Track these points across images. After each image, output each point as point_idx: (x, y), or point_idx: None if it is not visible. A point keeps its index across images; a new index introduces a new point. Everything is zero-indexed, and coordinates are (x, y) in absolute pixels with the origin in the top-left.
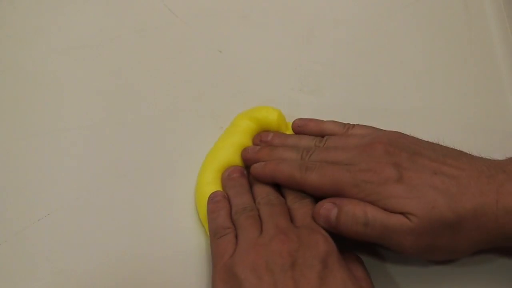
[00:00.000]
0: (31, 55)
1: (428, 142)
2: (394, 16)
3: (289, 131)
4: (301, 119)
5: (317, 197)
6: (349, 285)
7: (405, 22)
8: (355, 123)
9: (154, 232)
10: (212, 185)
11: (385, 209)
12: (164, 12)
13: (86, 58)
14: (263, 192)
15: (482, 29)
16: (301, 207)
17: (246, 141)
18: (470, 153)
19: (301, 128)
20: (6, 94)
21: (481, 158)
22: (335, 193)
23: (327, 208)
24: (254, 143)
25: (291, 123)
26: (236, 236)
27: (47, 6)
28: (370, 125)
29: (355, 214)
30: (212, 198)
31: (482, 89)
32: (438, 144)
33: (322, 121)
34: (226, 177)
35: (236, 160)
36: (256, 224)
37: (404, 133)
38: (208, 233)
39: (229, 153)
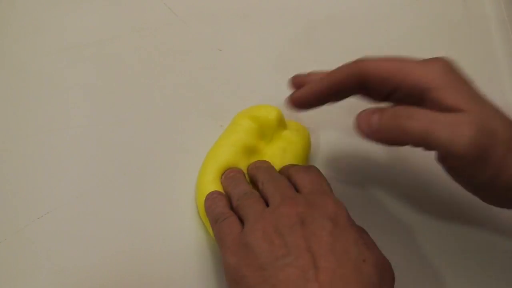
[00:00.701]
0: (30, 54)
1: None
2: (394, 15)
3: (287, 131)
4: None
5: None
6: (360, 244)
7: (405, 22)
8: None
9: (155, 231)
10: (213, 184)
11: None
12: (164, 11)
13: (86, 57)
14: (266, 173)
15: (482, 29)
16: (307, 175)
17: (247, 139)
18: None
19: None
20: (6, 93)
21: None
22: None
23: (368, 112)
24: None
25: (289, 122)
26: (240, 219)
27: (46, 5)
28: None
29: (399, 110)
30: (208, 197)
31: (482, 89)
32: None
33: None
34: (223, 178)
35: (237, 159)
36: (260, 201)
37: None
38: (208, 230)
39: (230, 152)
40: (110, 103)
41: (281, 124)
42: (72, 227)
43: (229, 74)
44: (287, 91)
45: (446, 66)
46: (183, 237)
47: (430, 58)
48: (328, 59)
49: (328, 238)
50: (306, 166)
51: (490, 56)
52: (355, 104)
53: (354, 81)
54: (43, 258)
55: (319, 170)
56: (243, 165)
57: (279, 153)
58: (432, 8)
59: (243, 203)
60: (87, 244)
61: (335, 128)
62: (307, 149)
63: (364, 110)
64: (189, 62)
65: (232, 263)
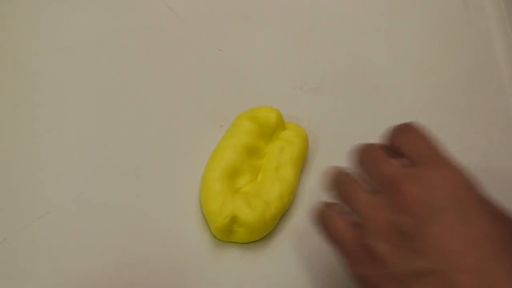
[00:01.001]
0: (30, 54)
1: None
2: (394, 15)
3: (286, 131)
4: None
5: None
6: (497, 218)
7: (406, 21)
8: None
9: (155, 230)
10: (219, 182)
11: None
12: (164, 10)
13: (86, 56)
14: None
15: (482, 29)
16: (409, 137)
17: (249, 141)
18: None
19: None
20: (5, 93)
21: None
22: None
23: None
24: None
25: (288, 123)
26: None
27: (46, 5)
28: (368, 122)
29: None
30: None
31: (482, 89)
32: None
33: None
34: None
35: (240, 159)
36: (358, 187)
37: None
38: (212, 230)
39: (233, 154)
40: (110, 103)
41: (280, 125)
42: (72, 227)
43: (229, 73)
44: (286, 91)
45: None
46: (185, 237)
47: None
48: (328, 59)
49: (461, 228)
50: (404, 125)
51: (490, 56)
52: (358, 105)
53: None
54: (43, 258)
55: (421, 128)
56: (246, 164)
57: (276, 152)
58: (432, 8)
59: (342, 191)
60: (87, 245)
61: (334, 129)
62: (305, 150)
63: None
64: (189, 62)
65: (363, 275)
